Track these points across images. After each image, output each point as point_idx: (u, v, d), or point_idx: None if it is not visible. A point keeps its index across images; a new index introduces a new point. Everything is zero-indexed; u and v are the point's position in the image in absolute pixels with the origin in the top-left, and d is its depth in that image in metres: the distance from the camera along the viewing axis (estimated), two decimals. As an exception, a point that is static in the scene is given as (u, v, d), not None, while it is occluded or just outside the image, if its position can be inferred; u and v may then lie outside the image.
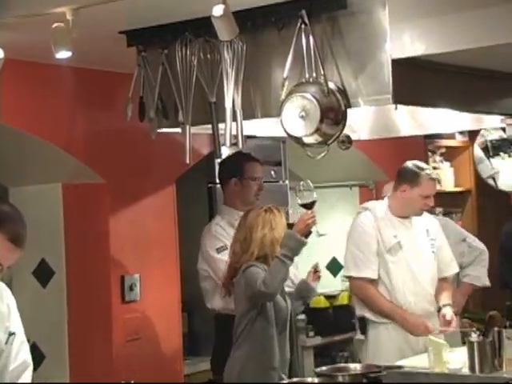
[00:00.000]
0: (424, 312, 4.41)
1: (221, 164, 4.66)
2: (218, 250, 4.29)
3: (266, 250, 3.85)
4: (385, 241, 4.41)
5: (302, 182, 3.97)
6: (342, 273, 6.27)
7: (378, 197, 5.69)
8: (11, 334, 2.92)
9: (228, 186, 4.56)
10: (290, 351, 3.94)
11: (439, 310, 4.45)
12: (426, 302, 4.45)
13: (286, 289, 4.34)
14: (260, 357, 3.80)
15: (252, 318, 3.83)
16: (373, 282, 4.38)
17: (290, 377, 3.85)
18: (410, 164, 4.45)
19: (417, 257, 4.45)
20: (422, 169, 4.43)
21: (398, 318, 4.34)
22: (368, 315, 4.45)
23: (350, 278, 4.52)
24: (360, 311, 4.51)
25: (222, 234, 4.33)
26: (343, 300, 5.94)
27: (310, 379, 3.30)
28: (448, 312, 4.38)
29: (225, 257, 4.15)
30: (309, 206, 3.97)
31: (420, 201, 4.42)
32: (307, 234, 4.00)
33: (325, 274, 6.40)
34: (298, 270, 4.66)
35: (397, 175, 4.54)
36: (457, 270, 4.70)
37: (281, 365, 3.83)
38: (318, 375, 3.32)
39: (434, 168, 6.81)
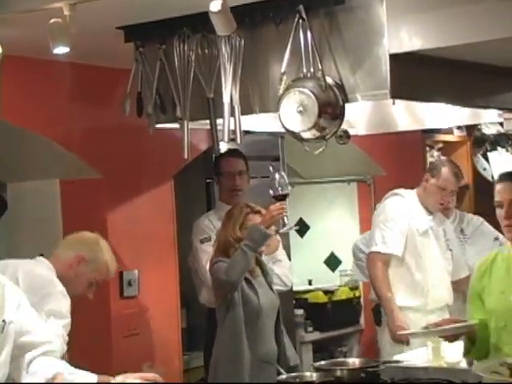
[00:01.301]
0: (441, 299, 4.55)
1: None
2: (202, 241, 4.33)
3: (224, 249, 3.90)
4: (418, 224, 4.55)
5: (276, 174, 3.94)
6: (340, 268, 6.30)
7: (376, 192, 5.72)
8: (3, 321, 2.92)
9: (215, 183, 4.62)
10: (277, 344, 3.96)
11: None
12: (446, 291, 4.59)
13: (277, 287, 4.36)
14: (229, 352, 3.83)
15: (223, 313, 3.87)
16: (388, 262, 4.48)
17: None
18: (438, 158, 4.67)
19: (441, 247, 4.63)
20: (450, 163, 4.67)
21: (387, 308, 4.43)
22: None
23: (370, 254, 4.58)
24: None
25: (209, 226, 4.37)
26: (342, 295, 5.95)
27: (308, 374, 3.30)
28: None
29: (208, 248, 4.19)
30: (280, 198, 3.93)
31: (437, 193, 4.56)
32: (282, 226, 4.02)
33: (323, 269, 6.43)
34: (291, 272, 4.67)
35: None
36: (466, 274, 4.67)
37: (254, 359, 3.83)
38: (317, 370, 3.33)
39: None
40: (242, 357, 3.80)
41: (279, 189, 3.91)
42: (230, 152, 4.62)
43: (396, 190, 4.76)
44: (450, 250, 4.69)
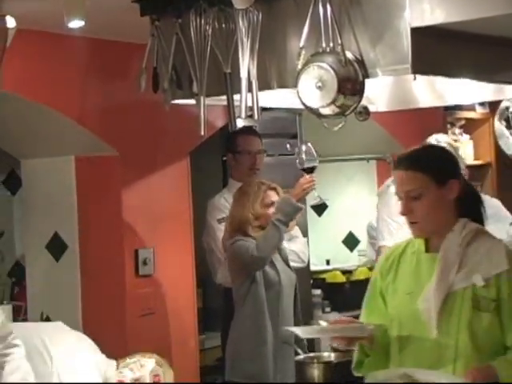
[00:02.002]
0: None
1: (226, 138, 4.69)
2: (219, 221, 4.34)
3: (240, 227, 3.88)
4: None
5: (303, 147, 3.93)
6: (358, 247, 6.29)
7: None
8: None
9: (228, 160, 4.60)
10: (295, 322, 3.96)
11: None
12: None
13: (294, 264, 4.38)
14: (251, 332, 3.83)
15: (243, 293, 3.87)
16: None
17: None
18: (431, 136, 4.49)
19: None
20: (449, 147, 4.28)
21: None
22: None
23: (379, 247, 4.52)
24: None
25: (224, 205, 4.38)
26: (360, 275, 5.95)
27: (326, 354, 3.31)
28: None
29: None
30: (308, 171, 3.93)
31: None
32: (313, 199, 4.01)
33: (341, 248, 6.43)
34: (308, 248, 4.68)
35: None
36: None
37: (275, 339, 3.82)
38: (335, 350, 3.34)
39: (455, 141, 6.80)
40: (265, 337, 3.80)
41: (307, 161, 3.90)
42: (247, 130, 4.61)
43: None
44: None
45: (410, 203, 2.60)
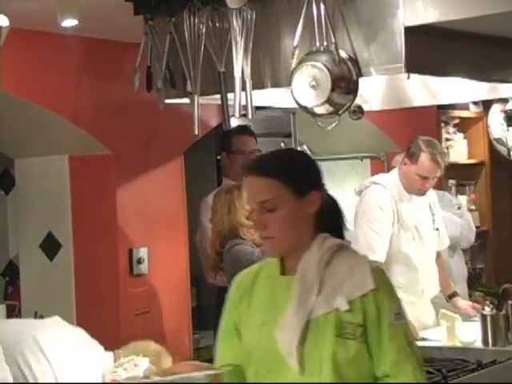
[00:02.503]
0: (432, 293, 4.36)
1: (220, 137, 4.69)
2: (211, 220, 4.33)
3: (231, 233, 3.87)
4: (404, 220, 4.26)
5: (298, 148, 3.92)
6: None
7: (390, 169, 5.68)
8: None
9: (222, 159, 4.60)
10: None
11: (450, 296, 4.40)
12: (436, 283, 4.38)
13: None
14: None
15: None
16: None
17: None
18: (420, 138, 4.28)
19: (428, 236, 4.36)
20: (428, 147, 4.22)
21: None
22: None
23: None
24: None
25: None
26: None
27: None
28: (463, 303, 4.31)
29: None
30: None
31: (417, 180, 4.23)
32: None
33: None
34: None
35: (407, 147, 4.40)
36: (448, 243, 4.58)
37: None
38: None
39: (447, 140, 6.82)
40: None
41: None
42: (242, 129, 4.60)
43: (376, 178, 4.49)
44: (437, 229, 4.40)
45: (263, 216, 2.23)
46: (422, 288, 4.30)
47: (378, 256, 4.13)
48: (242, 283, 2.39)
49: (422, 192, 4.31)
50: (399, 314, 2.20)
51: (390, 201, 4.27)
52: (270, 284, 2.30)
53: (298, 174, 2.27)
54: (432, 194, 4.48)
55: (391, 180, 4.38)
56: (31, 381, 3.01)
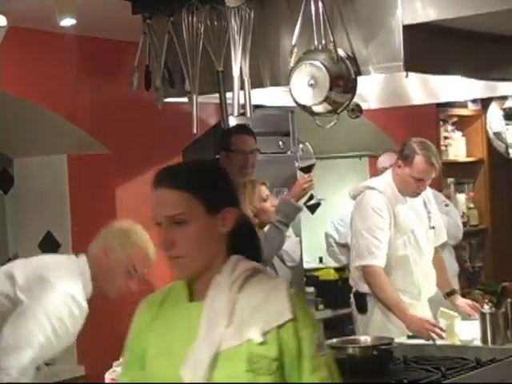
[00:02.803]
0: (429, 294, 4.36)
1: (219, 137, 4.68)
2: None
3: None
4: (401, 224, 4.25)
5: (301, 146, 3.92)
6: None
7: (375, 170, 5.70)
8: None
9: (221, 158, 4.59)
10: None
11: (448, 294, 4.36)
12: (433, 284, 4.38)
13: (286, 263, 4.38)
14: None
15: None
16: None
17: None
18: (413, 140, 4.26)
19: (424, 237, 4.35)
20: (422, 149, 4.19)
21: (399, 313, 4.06)
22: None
23: (362, 268, 4.23)
24: (362, 288, 4.37)
25: None
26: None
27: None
28: (462, 301, 4.28)
29: None
30: (306, 170, 3.89)
31: (412, 183, 4.22)
32: (309, 198, 3.97)
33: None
34: (300, 247, 4.67)
35: (400, 148, 4.38)
36: (445, 238, 4.58)
37: None
38: (328, 347, 3.33)
39: (446, 138, 6.82)
40: None
41: (305, 160, 3.87)
42: (241, 128, 4.59)
43: (370, 183, 4.46)
44: (433, 227, 4.39)
45: (171, 232, 2.02)
46: (418, 290, 4.30)
47: (379, 261, 4.15)
48: (148, 309, 2.15)
49: (416, 194, 4.30)
50: (320, 344, 2.01)
51: (387, 205, 4.25)
52: (175, 311, 2.06)
53: (210, 187, 2.04)
54: (427, 190, 4.44)
55: (385, 183, 4.34)
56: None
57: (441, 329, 3.78)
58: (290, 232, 4.55)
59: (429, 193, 4.51)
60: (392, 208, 4.25)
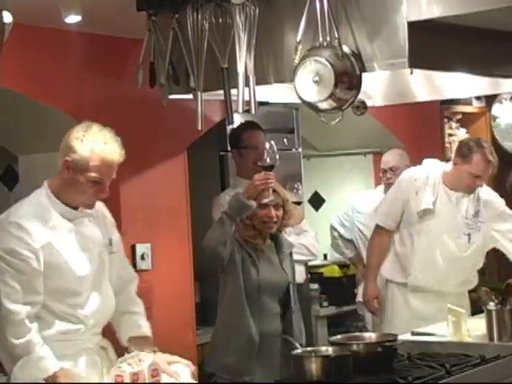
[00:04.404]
0: (424, 283, 4.48)
1: (228, 135, 4.68)
2: None
3: None
4: (418, 202, 4.48)
5: (266, 144, 3.87)
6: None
7: (378, 170, 5.71)
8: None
9: (233, 156, 4.59)
10: (284, 323, 3.90)
11: None
12: (432, 277, 4.48)
13: (303, 258, 4.41)
14: (230, 325, 3.83)
15: (224, 287, 3.88)
16: (389, 234, 4.61)
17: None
18: (470, 139, 4.52)
19: (448, 233, 4.47)
20: (479, 146, 4.39)
21: (365, 275, 4.75)
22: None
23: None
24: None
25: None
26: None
27: (324, 348, 3.31)
28: None
29: None
30: (267, 169, 3.83)
31: (469, 178, 4.41)
32: None
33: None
34: (318, 241, 4.70)
35: (457, 147, 4.63)
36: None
37: (256, 334, 3.81)
38: (333, 344, 3.34)
39: (450, 135, 6.81)
40: (244, 331, 3.78)
41: (266, 159, 3.82)
42: (250, 124, 4.59)
43: (428, 160, 4.73)
44: (468, 234, 4.48)
45: None
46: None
47: (381, 221, 4.70)
48: None
49: (473, 190, 4.49)
50: None
51: (415, 181, 4.63)
52: None
53: None
54: (495, 203, 4.63)
55: (435, 168, 4.63)
56: None
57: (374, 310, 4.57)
58: (307, 226, 4.59)
59: (493, 207, 4.60)
60: (418, 185, 4.52)
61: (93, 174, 3.05)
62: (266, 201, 3.79)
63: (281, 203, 3.87)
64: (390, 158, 5.45)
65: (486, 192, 4.60)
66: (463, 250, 4.49)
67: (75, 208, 3.16)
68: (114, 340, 3.49)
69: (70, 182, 3.10)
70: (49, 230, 3.05)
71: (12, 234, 3.00)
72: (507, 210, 4.62)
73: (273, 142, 3.85)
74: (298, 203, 4.47)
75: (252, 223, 3.84)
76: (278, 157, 3.82)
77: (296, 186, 4.53)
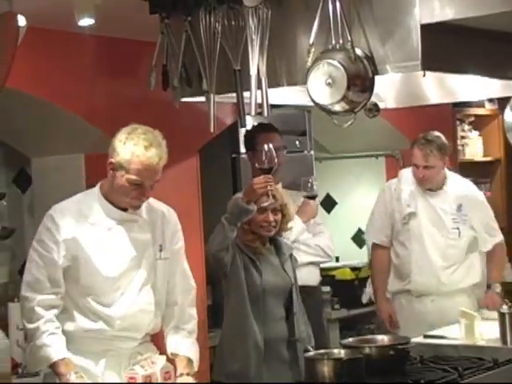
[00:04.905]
0: (427, 285, 4.53)
1: (244, 137, 4.67)
2: None
3: None
4: (400, 210, 4.59)
5: (265, 146, 3.85)
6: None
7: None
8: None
9: (248, 158, 4.58)
10: (289, 326, 3.87)
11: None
12: (432, 277, 4.52)
13: (319, 259, 4.42)
14: (234, 331, 3.82)
15: (226, 290, 3.87)
16: (386, 249, 4.68)
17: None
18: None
19: (432, 229, 4.54)
20: (419, 139, 4.57)
21: (375, 297, 4.73)
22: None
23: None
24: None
25: None
26: (369, 272, 5.94)
27: (336, 351, 3.30)
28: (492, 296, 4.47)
29: None
30: (266, 171, 3.80)
31: (414, 170, 4.58)
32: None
33: (350, 245, 6.43)
34: (333, 243, 4.69)
35: None
36: (490, 245, 4.65)
37: (261, 338, 3.79)
38: (345, 347, 3.33)
39: (463, 137, 6.79)
40: (248, 336, 3.77)
41: (265, 161, 3.79)
42: (265, 126, 4.58)
43: (402, 170, 4.91)
44: (457, 228, 4.56)
45: None
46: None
47: (375, 238, 4.79)
48: None
49: (420, 182, 4.59)
50: None
51: (394, 191, 4.79)
52: None
53: None
54: (472, 195, 4.74)
55: (406, 174, 4.79)
56: None
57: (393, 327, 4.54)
58: (323, 228, 4.59)
59: (472, 199, 4.67)
60: (397, 194, 4.69)
61: (133, 177, 3.11)
62: (264, 205, 3.78)
63: (279, 208, 3.86)
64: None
65: (465, 185, 4.73)
66: (455, 245, 4.55)
67: (124, 210, 3.19)
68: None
69: (113, 183, 3.17)
70: (85, 225, 3.13)
71: (45, 225, 3.16)
72: (485, 201, 4.76)
73: (271, 146, 3.82)
74: (312, 197, 4.45)
75: (250, 228, 3.83)
76: (276, 160, 3.80)
77: (310, 180, 4.44)
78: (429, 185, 4.59)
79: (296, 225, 4.32)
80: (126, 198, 3.15)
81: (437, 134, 4.62)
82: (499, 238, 4.65)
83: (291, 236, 4.30)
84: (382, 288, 4.67)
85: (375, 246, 4.74)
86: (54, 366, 2.99)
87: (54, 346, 3.01)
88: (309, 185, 4.44)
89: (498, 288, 4.46)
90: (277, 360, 3.78)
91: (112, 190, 3.19)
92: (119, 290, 3.13)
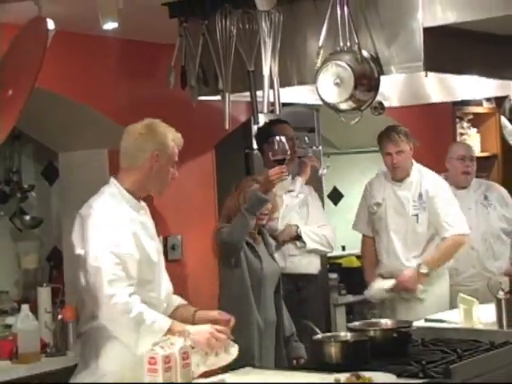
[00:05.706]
0: (394, 268, 4.60)
1: (256, 132, 4.68)
2: None
3: (230, 216, 3.90)
4: (371, 200, 4.72)
5: (276, 138, 3.85)
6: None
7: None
8: None
9: (261, 152, 4.58)
10: (276, 314, 3.91)
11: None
12: (395, 260, 4.61)
13: (322, 248, 4.43)
14: (238, 314, 3.81)
15: (227, 276, 3.88)
16: (369, 238, 4.77)
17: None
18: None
19: (395, 216, 4.62)
20: (385, 129, 4.75)
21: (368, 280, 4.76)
22: None
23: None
24: None
25: None
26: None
27: (343, 333, 3.31)
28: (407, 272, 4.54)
29: None
30: (279, 162, 3.81)
31: (387, 159, 4.70)
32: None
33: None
34: (335, 234, 4.70)
35: None
36: (448, 234, 4.56)
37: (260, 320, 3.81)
38: (351, 330, 3.34)
39: (462, 134, 6.78)
40: (251, 318, 3.77)
41: (278, 152, 3.80)
42: (277, 120, 4.58)
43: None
44: (416, 215, 4.58)
45: None
46: None
47: (357, 228, 4.89)
48: None
49: (391, 170, 4.73)
50: None
51: (371, 182, 4.98)
52: None
53: None
54: (437, 185, 4.74)
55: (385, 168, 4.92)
56: None
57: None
58: (325, 221, 4.60)
59: (436, 188, 4.67)
60: (370, 186, 4.87)
61: (176, 159, 3.22)
62: (281, 193, 3.84)
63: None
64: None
65: (431, 176, 4.73)
66: (414, 231, 4.58)
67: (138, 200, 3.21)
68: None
69: (156, 172, 3.16)
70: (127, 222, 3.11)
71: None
72: (451, 195, 4.74)
73: (283, 137, 3.84)
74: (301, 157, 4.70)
75: None
76: (288, 151, 3.82)
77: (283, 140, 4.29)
78: (400, 172, 4.64)
79: (296, 183, 4.58)
80: (166, 182, 3.21)
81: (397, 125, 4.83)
82: (459, 231, 4.54)
83: (294, 191, 4.55)
84: (371, 275, 4.76)
85: (364, 237, 4.85)
86: (170, 332, 2.95)
87: (159, 318, 2.98)
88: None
89: (424, 270, 4.47)
90: (268, 340, 3.83)
91: (148, 180, 3.17)
92: (159, 274, 3.15)
